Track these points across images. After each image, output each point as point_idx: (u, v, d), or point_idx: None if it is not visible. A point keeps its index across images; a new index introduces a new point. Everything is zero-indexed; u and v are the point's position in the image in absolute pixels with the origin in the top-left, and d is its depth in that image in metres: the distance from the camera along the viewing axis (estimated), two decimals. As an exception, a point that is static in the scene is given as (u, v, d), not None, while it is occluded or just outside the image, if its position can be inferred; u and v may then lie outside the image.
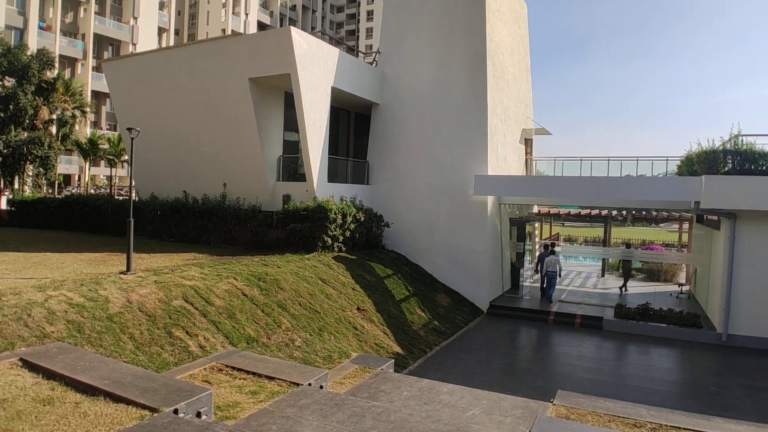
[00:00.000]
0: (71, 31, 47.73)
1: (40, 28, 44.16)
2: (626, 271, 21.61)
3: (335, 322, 11.89)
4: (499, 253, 19.52)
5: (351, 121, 22.05)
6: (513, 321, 17.19)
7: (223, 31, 61.59)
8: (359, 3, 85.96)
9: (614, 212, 24.35)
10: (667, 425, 6.43)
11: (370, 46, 74.38)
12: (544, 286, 19.20)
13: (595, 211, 25.13)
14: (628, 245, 23.88)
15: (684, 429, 6.36)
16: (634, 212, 25.20)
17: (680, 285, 21.77)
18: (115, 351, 7.60)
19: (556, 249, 20.62)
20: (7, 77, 27.41)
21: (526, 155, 24.05)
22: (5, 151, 26.07)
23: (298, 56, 15.31)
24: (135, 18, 51.20)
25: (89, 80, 46.22)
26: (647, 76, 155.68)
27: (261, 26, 67.79)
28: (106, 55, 48.99)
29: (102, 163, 45.15)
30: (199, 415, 5.45)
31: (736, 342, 14.69)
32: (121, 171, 45.80)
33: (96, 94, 46.81)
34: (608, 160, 20.11)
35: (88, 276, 10.19)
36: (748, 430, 6.75)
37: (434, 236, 18.98)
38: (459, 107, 18.69)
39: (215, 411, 5.88)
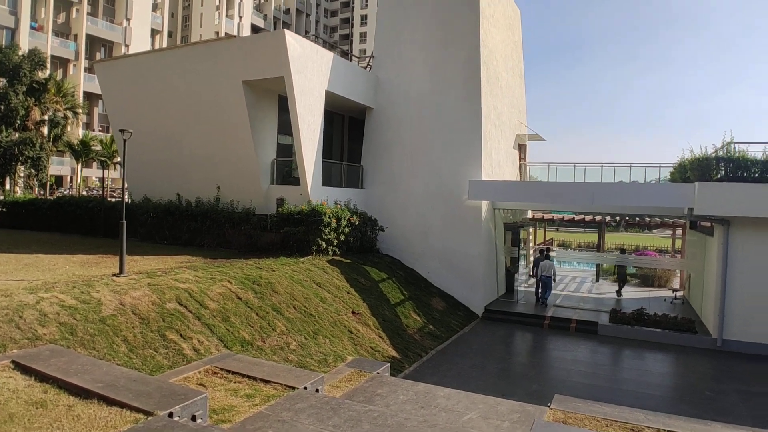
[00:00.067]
0: (63, 31, 47.40)
1: (32, 28, 43.81)
2: (622, 276, 21.76)
3: (330, 325, 11.81)
4: (494, 258, 19.54)
5: (345, 125, 22.03)
6: (508, 325, 17.18)
7: (217, 33, 61.47)
8: (353, 7, 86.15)
9: (608, 218, 24.46)
10: (664, 430, 6.40)
11: (364, 51, 74.53)
12: (539, 290, 19.26)
13: (588, 217, 25.25)
14: (623, 251, 24.02)
15: (682, 434, 6.34)
16: (627, 218, 25.33)
17: (674, 290, 21.88)
18: (108, 354, 7.49)
19: (551, 254, 20.68)
20: (-2, 77, 27.22)
21: (519, 161, 24.13)
22: (-4, 151, 25.84)
23: (292, 59, 15.26)
24: (128, 19, 50.93)
25: (81, 81, 45.86)
26: (636, 83, 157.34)
27: (255, 29, 67.64)
28: (99, 56, 48.65)
29: (94, 164, 44.76)
30: (194, 418, 5.37)
31: (731, 347, 14.75)
32: (114, 173, 45.41)
33: (88, 95, 46.45)
34: (602, 165, 20.23)
35: (81, 278, 10.07)
36: (745, 435, 6.75)
37: (429, 240, 18.96)
38: (453, 112, 18.72)
39: (210, 414, 5.79)
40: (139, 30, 51.82)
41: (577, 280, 25.16)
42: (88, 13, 48.10)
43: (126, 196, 18.73)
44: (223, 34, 60.27)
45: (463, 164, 18.49)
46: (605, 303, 19.60)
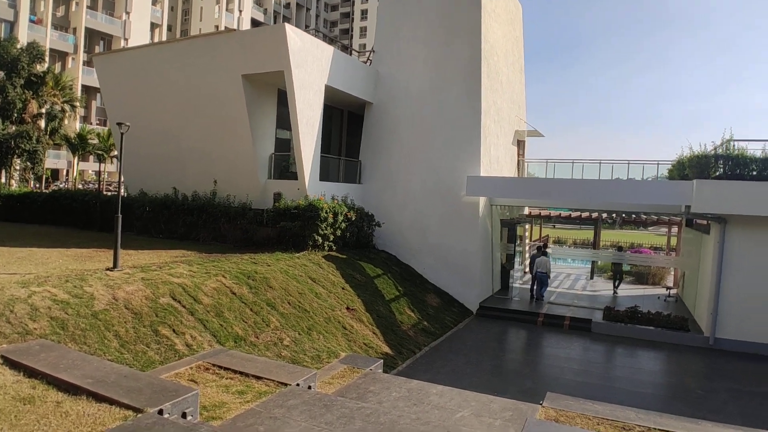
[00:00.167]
0: (62, 24, 47.20)
1: (31, 21, 43.65)
2: (618, 273, 21.79)
3: (324, 321, 11.81)
4: (490, 255, 19.53)
5: (344, 119, 21.95)
6: (502, 322, 17.19)
7: (216, 27, 61.11)
8: (353, 2, 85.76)
9: (604, 215, 24.44)
10: (655, 428, 6.41)
11: (364, 45, 74.27)
12: (534, 287, 19.27)
13: (585, 214, 25.23)
14: (619, 248, 24.05)
15: (672, 433, 6.35)
16: (623, 215, 25.32)
17: (668, 288, 21.92)
18: (100, 349, 7.47)
19: (548, 250, 20.69)
20: (-5, 70, 27.11)
21: (518, 157, 24.07)
22: (-8, 144, 25.77)
23: (292, 53, 15.19)
24: (127, 13, 50.74)
25: (80, 74, 45.73)
26: (634, 81, 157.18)
27: (255, 23, 67.34)
28: (98, 49, 48.43)
29: (91, 158, 44.71)
30: (184, 415, 5.36)
31: (723, 346, 14.77)
32: (110, 166, 45.38)
33: (86, 89, 46.33)
34: (599, 162, 20.15)
35: (74, 272, 10.02)
36: (736, 435, 6.76)
37: (425, 236, 18.93)
38: (453, 108, 18.66)
39: (201, 411, 5.78)
40: (139, 24, 51.63)
41: (572, 277, 25.18)
42: (87, 7, 47.94)
43: (122, 190, 18.71)
44: (222, 28, 59.92)
45: (462, 160, 18.45)
46: (599, 300, 19.63)
